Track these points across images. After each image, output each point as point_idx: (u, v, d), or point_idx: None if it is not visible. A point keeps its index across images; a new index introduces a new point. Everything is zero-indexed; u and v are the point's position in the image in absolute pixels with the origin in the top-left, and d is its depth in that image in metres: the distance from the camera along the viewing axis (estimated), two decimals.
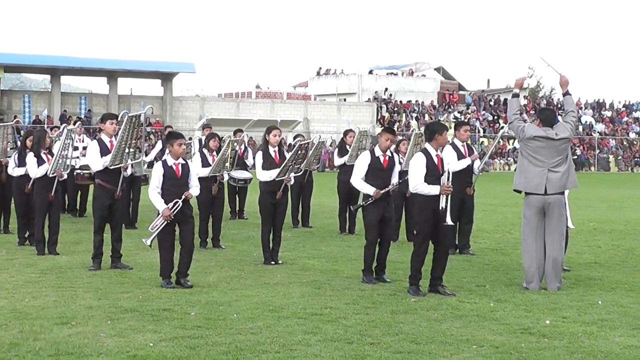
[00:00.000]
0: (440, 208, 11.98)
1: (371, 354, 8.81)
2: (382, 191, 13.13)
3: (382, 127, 13.98)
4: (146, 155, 20.27)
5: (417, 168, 12.12)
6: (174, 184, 12.58)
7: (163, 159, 12.97)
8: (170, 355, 8.60)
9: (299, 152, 15.23)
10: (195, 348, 8.92)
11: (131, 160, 14.16)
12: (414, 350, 8.99)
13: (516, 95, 13.40)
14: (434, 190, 11.98)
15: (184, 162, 12.79)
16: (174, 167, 12.64)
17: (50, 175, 15.52)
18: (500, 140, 71.08)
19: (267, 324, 10.09)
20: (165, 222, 12.45)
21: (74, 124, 28.93)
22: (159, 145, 23.38)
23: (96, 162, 14.14)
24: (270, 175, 14.86)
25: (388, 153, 13.39)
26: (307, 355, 8.70)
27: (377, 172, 13.17)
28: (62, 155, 15.55)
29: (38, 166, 15.59)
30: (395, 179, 13.39)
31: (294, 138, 23.11)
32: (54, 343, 9.04)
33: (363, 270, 13.25)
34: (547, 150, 12.65)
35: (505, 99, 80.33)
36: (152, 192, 12.61)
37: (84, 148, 20.65)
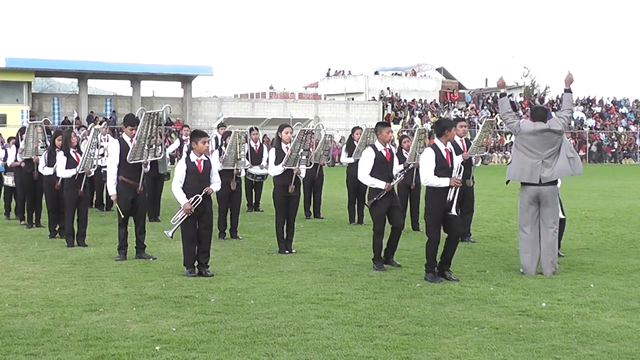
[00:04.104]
0: (448, 199, 11.98)
1: (379, 335, 8.80)
2: (392, 183, 13.12)
3: (378, 123, 13.84)
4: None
5: (427, 162, 12.10)
6: (195, 179, 12.57)
7: (186, 155, 12.98)
8: (192, 339, 8.60)
9: (303, 137, 15.12)
10: (215, 332, 8.92)
11: (151, 157, 14.14)
12: (419, 332, 8.97)
13: (504, 95, 13.37)
14: (444, 182, 11.97)
15: (205, 158, 12.79)
16: (196, 163, 12.64)
17: (79, 172, 15.57)
18: (498, 135, 71.02)
19: (282, 309, 10.09)
20: (186, 215, 12.46)
21: (100, 124, 28.96)
22: (177, 142, 23.47)
23: (112, 160, 14.05)
24: (281, 165, 14.82)
25: (387, 146, 13.36)
26: (319, 337, 8.69)
27: (382, 166, 13.12)
28: (90, 153, 15.58)
29: (67, 164, 15.66)
30: (395, 170, 13.40)
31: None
32: (83, 329, 9.05)
33: (373, 259, 13.21)
34: (541, 143, 12.63)
35: None
36: (176, 187, 12.60)
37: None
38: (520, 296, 10.93)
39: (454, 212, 12.08)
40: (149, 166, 14.36)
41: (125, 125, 14.41)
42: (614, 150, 74.53)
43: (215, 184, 12.84)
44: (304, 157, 15.21)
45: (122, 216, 14.04)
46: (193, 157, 12.68)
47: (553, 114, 13.29)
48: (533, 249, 12.64)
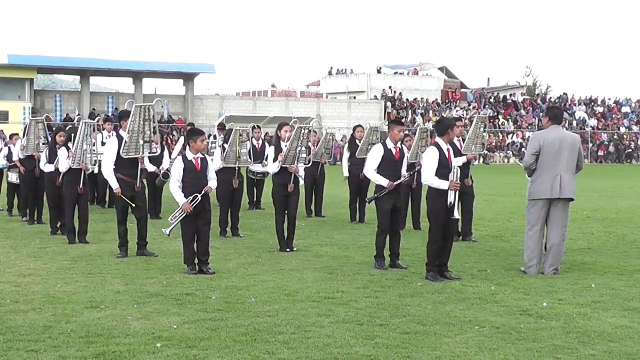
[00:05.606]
0: (449, 203, 11.96)
1: (380, 334, 8.80)
2: (395, 183, 13.10)
3: (391, 121, 13.88)
4: (170, 153, 20.24)
5: (430, 161, 12.07)
6: (193, 177, 12.55)
7: (183, 153, 12.97)
8: (193, 337, 8.60)
9: (301, 134, 15.05)
10: (216, 330, 8.93)
11: (147, 153, 14.10)
12: (420, 331, 8.98)
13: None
14: (443, 185, 11.94)
15: (202, 156, 12.76)
16: (193, 161, 12.61)
17: (74, 167, 15.56)
18: (500, 134, 70.99)
19: (283, 307, 10.09)
20: (184, 214, 12.45)
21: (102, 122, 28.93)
22: (181, 141, 23.40)
23: (109, 155, 14.04)
24: (278, 162, 14.79)
25: (398, 145, 13.35)
26: (320, 336, 8.69)
27: (390, 163, 13.11)
28: (81, 147, 15.52)
29: None
30: (404, 170, 13.36)
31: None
32: (84, 325, 9.06)
33: (375, 257, 13.21)
34: (558, 154, 12.56)
35: (505, 96, 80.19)
36: (173, 186, 12.59)
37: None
38: (521, 296, 10.93)
39: (456, 215, 12.08)
40: (146, 162, 14.31)
41: (124, 120, 14.31)
42: (628, 150, 74.47)
43: (212, 182, 12.83)
44: (303, 155, 15.16)
45: (130, 204, 13.99)
46: (190, 155, 12.66)
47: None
48: (537, 248, 12.62)
